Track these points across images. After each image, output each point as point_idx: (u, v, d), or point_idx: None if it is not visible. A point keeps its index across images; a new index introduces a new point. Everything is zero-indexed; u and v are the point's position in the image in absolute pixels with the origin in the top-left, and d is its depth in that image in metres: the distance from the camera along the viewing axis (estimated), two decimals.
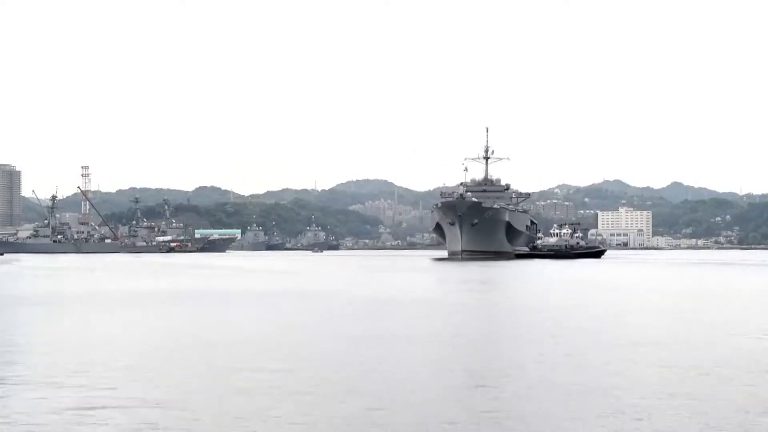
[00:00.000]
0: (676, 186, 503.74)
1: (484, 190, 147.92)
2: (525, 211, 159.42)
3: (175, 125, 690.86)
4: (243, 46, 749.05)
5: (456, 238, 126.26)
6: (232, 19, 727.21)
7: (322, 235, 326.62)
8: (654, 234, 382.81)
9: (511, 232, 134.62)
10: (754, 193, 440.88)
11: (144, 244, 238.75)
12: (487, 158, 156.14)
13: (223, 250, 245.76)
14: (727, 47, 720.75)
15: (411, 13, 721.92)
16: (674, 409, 12.48)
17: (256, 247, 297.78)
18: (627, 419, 11.78)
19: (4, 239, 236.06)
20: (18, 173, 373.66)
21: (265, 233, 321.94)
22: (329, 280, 58.18)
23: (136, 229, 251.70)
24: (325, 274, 72.09)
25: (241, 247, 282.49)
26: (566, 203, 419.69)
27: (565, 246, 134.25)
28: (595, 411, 12.32)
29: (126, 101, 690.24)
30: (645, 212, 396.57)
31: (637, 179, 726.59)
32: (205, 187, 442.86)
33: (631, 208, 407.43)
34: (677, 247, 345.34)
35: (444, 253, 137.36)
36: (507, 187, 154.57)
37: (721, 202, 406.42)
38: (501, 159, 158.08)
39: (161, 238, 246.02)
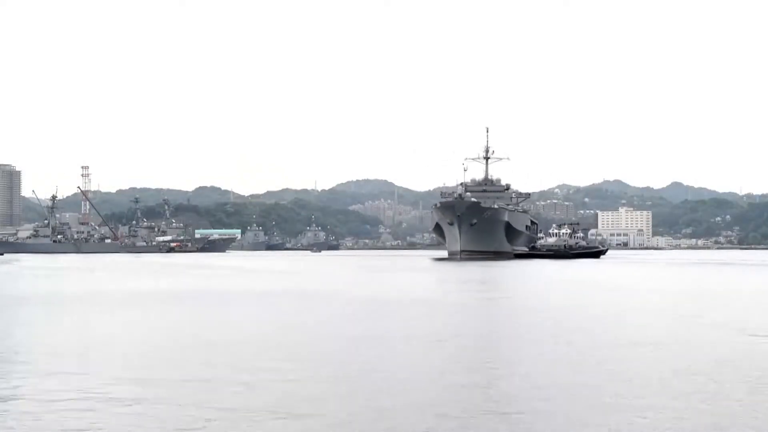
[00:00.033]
0: (676, 186, 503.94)
1: (485, 190, 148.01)
2: (525, 211, 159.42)
3: (175, 125, 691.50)
4: (243, 46, 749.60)
5: (455, 238, 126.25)
6: (232, 19, 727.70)
7: (322, 235, 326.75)
8: (654, 234, 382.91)
9: (510, 232, 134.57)
10: (754, 193, 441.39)
11: (144, 244, 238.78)
12: (487, 158, 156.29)
13: (223, 250, 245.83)
14: (727, 47, 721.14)
15: (411, 13, 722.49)
16: (675, 409, 12.48)
17: (256, 247, 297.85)
18: (627, 419, 11.78)
19: (4, 239, 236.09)
20: (18, 173, 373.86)
21: (265, 233, 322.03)
22: (329, 280, 58.17)
23: (136, 229, 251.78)
24: (324, 274, 72.08)
25: (241, 247, 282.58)
26: (566, 203, 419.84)
27: (564, 246, 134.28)
28: (595, 411, 12.32)
29: (126, 101, 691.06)
30: (645, 212, 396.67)
31: (637, 179, 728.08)
32: (205, 187, 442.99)
33: (631, 208, 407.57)
34: (677, 247, 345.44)
35: (444, 253, 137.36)
36: (507, 187, 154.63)
37: (721, 202, 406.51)
38: (501, 159, 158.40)
39: (161, 238, 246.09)
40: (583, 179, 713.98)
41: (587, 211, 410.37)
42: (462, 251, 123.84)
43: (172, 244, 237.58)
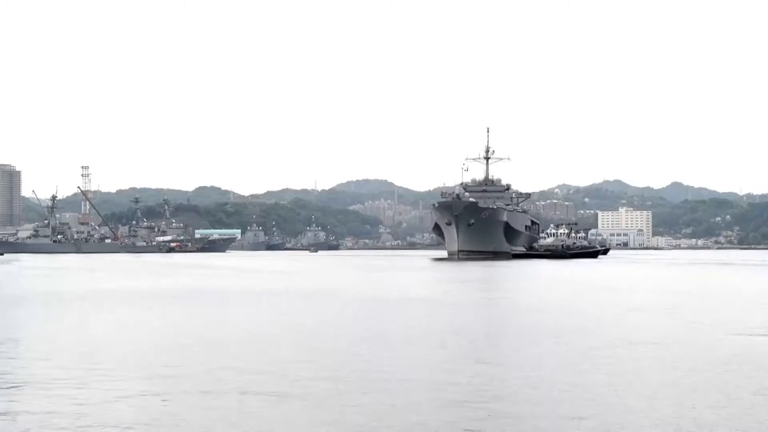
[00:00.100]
0: (676, 186, 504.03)
1: (485, 191, 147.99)
2: (525, 211, 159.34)
3: (175, 125, 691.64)
4: (243, 46, 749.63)
5: (453, 239, 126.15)
6: (233, 19, 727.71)
7: (322, 235, 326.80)
8: (654, 234, 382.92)
9: (510, 232, 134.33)
10: (754, 193, 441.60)
11: (144, 244, 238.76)
12: (487, 158, 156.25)
13: (223, 250, 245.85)
14: (727, 47, 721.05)
15: (411, 13, 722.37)
16: (674, 409, 12.48)
17: (256, 247, 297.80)
18: (627, 419, 11.78)
19: (4, 239, 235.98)
20: (18, 173, 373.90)
21: (265, 233, 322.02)
22: (329, 280, 58.16)
23: (136, 229, 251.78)
24: (324, 274, 72.08)
25: (241, 247, 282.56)
26: (566, 203, 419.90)
27: (562, 246, 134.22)
28: (595, 411, 12.31)
29: (126, 101, 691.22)
30: (645, 212, 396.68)
31: (637, 179, 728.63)
32: (205, 187, 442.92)
33: (631, 208, 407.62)
34: (677, 247, 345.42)
35: (444, 253, 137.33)
36: (508, 187, 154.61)
37: (721, 202, 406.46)
38: (501, 159, 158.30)
39: (161, 238, 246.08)
40: (583, 179, 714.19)
41: (587, 211, 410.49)
42: (460, 251, 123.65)
43: (172, 244, 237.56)
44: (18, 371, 16.06)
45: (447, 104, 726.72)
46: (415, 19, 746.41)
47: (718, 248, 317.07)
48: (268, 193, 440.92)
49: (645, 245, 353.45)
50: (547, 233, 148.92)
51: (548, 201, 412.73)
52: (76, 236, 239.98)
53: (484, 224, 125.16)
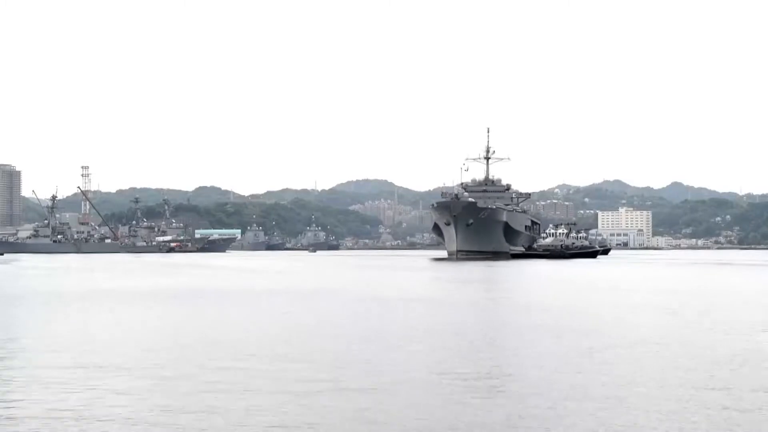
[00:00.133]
0: (676, 186, 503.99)
1: (485, 191, 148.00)
2: (525, 212, 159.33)
3: (175, 125, 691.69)
4: (243, 46, 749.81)
5: (452, 239, 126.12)
6: (233, 19, 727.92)
7: (322, 235, 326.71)
8: (654, 234, 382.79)
9: (509, 232, 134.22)
10: (754, 193, 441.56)
11: (144, 244, 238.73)
12: (488, 158, 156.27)
13: (223, 250, 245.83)
14: (727, 47, 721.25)
15: (412, 13, 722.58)
16: (674, 409, 12.47)
17: (256, 247, 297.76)
18: (627, 419, 11.77)
19: (4, 239, 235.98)
20: (18, 173, 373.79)
21: (265, 233, 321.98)
22: (329, 280, 58.15)
23: (136, 229, 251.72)
24: (324, 274, 72.08)
25: (241, 247, 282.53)
26: (566, 203, 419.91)
27: (561, 246, 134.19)
28: (595, 411, 12.31)
29: (126, 101, 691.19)
30: (645, 212, 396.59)
31: (637, 179, 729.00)
32: (205, 187, 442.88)
33: (631, 208, 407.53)
34: (677, 247, 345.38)
35: (444, 253, 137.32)
36: (508, 188, 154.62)
37: (721, 202, 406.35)
38: (502, 159, 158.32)
39: (161, 238, 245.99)
40: (583, 179, 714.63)
41: (587, 211, 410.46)
42: (459, 251, 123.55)
43: (172, 244, 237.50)
44: (18, 371, 16.05)
45: (447, 104, 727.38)
46: (415, 19, 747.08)
47: (718, 248, 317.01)
48: (268, 193, 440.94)
49: (645, 245, 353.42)
50: (546, 233, 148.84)
51: (548, 201, 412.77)
52: (76, 236, 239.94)
53: (483, 224, 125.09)
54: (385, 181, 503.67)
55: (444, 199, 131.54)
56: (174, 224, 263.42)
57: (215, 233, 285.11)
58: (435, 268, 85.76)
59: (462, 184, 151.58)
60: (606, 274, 70.72)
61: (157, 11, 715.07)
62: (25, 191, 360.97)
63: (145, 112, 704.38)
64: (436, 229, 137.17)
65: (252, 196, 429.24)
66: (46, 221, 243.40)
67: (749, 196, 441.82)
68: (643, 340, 20.79)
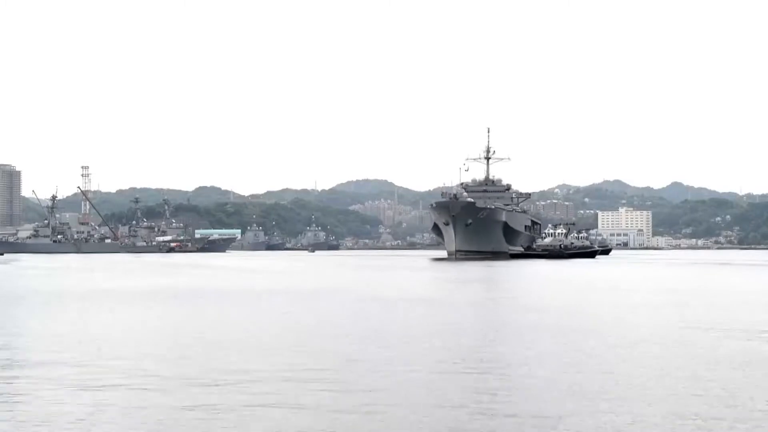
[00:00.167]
0: (676, 186, 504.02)
1: (485, 191, 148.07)
2: (524, 212, 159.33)
3: (175, 125, 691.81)
4: (243, 46, 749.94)
5: (451, 239, 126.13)
6: (233, 19, 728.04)
7: (322, 235, 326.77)
8: (654, 234, 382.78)
9: (509, 232, 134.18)
10: (754, 193, 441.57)
11: (144, 244, 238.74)
12: (488, 158, 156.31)
13: (223, 250, 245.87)
14: (727, 47, 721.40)
15: (412, 13, 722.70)
16: (674, 408, 12.47)
17: (256, 247, 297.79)
18: (627, 419, 11.77)
19: (4, 239, 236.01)
20: (18, 173, 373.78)
21: (265, 233, 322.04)
22: (329, 280, 58.15)
23: (136, 229, 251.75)
24: (324, 274, 72.08)
25: (241, 247, 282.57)
26: (566, 203, 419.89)
27: (560, 246, 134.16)
28: (594, 411, 12.31)
29: (126, 101, 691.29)
30: (645, 212, 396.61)
31: (637, 179, 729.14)
32: (205, 187, 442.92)
33: (631, 208, 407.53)
34: (677, 247, 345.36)
35: (444, 253, 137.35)
36: (508, 188, 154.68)
37: (721, 202, 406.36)
38: (502, 159, 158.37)
39: (161, 238, 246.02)
40: (583, 179, 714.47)
41: (587, 211, 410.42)
42: (458, 251, 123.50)
43: (172, 244, 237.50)
44: (18, 371, 16.05)
45: (447, 104, 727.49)
46: (415, 19, 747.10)
47: (718, 248, 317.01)
48: (268, 193, 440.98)
49: (645, 245, 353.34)
50: (545, 233, 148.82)
51: (548, 201, 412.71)
52: (76, 236, 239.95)
53: (482, 224, 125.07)
54: (385, 181, 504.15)
55: (443, 199, 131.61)
56: (174, 224, 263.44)
57: (215, 233, 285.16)
58: (435, 268, 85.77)
59: (462, 184, 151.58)
60: (605, 274, 70.69)
61: (157, 11, 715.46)
62: (25, 191, 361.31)
63: (145, 112, 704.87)
64: (436, 229, 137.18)
65: (252, 196, 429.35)
66: (46, 221, 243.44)
67: (749, 196, 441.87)
68: (643, 340, 20.79)
